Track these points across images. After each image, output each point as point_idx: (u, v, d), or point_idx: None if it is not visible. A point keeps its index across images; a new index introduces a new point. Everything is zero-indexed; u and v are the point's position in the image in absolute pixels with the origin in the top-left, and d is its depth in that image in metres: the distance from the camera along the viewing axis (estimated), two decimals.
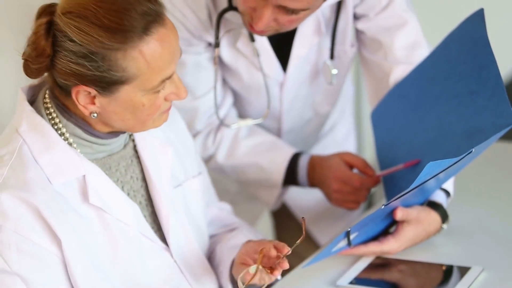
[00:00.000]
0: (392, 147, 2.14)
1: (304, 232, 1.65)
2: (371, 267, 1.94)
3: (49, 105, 1.70)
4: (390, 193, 2.10)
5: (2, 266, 1.61)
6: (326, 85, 2.25)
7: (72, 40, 1.60)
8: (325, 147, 2.52)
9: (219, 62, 2.17)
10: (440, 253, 1.98)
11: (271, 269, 1.70)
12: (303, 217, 1.69)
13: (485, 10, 1.93)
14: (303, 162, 2.22)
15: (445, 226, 2.00)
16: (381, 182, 2.15)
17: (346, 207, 2.17)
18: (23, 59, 1.65)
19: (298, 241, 1.66)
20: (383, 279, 1.94)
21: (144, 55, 1.61)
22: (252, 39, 2.12)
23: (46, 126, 1.68)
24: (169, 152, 1.86)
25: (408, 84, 2.15)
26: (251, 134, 2.27)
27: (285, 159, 2.23)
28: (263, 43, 2.14)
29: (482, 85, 1.91)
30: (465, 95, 1.96)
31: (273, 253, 1.71)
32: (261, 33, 1.98)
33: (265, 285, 1.73)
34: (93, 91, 1.63)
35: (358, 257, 1.97)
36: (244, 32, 2.12)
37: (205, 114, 2.21)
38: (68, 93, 1.66)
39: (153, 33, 1.61)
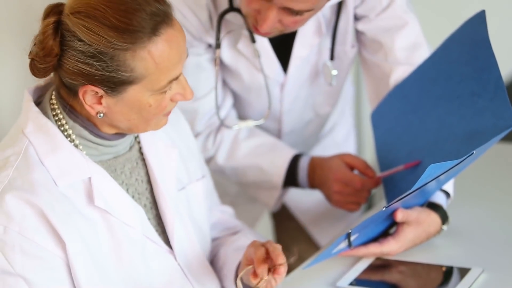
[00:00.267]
0: (392, 148, 2.14)
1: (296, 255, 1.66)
2: (371, 268, 1.95)
3: (56, 106, 1.70)
4: (390, 194, 2.10)
5: (5, 267, 1.61)
6: (326, 86, 2.25)
7: (80, 40, 1.60)
8: (325, 148, 2.53)
9: (219, 63, 2.17)
10: (440, 254, 1.98)
11: (274, 269, 1.69)
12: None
13: (486, 11, 1.93)
14: (303, 164, 2.22)
15: (445, 227, 2.00)
16: (381, 183, 2.15)
17: (347, 208, 2.17)
18: (29, 58, 1.65)
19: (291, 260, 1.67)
20: (383, 280, 1.94)
21: (152, 55, 1.61)
22: (253, 40, 2.12)
23: (52, 127, 1.68)
24: (174, 154, 1.86)
25: (409, 85, 2.15)
26: (251, 135, 2.27)
27: (285, 161, 2.23)
28: (263, 44, 2.14)
29: (483, 87, 1.91)
30: (466, 97, 1.96)
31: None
32: (265, 35, 1.98)
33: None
34: (101, 91, 1.63)
35: (358, 258, 1.97)
36: (245, 33, 2.12)
37: (205, 116, 2.21)
38: (74, 93, 1.66)
39: (161, 33, 1.62)
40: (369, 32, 2.19)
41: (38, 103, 1.73)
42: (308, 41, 2.16)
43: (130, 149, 1.80)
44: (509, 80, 4.42)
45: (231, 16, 2.09)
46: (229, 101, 2.26)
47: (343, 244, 1.91)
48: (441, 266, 1.93)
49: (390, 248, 1.95)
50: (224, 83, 2.25)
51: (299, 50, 2.17)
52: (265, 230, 2.83)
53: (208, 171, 2.03)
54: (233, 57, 2.17)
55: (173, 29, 1.64)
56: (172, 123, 1.87)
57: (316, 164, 2.20)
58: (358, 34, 2.22)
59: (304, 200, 2.49)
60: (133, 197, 1.78)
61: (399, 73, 2.17)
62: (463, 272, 1.89)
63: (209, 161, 2.26)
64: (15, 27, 2.37)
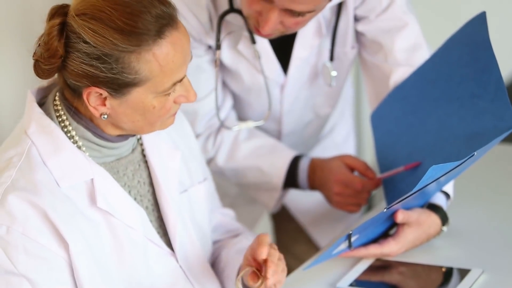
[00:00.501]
0: (392, 150, 2.14)
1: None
2: (371, 269, 1.95)
3: (59, 108, 1.71)
4: (390, 195, 2.10)
5: (9, 267, 1.61)
6: (326, 87, 2.25)
7: (86, 42, 1.60)
8: (324, 149, 2.52)
9: (219, 65, 2.17)
10: (440, 255, 1.98)
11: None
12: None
13: (486, 12, 1.93)
14: (303, 165, 2.22)
15: (445, 228, 2.00)
16: (381, 184, 2.15)
17: (347, 209, 2.17)
18: (34, 59, 1.65)
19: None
20: (383, 281, 1.95)
21: (157, 58, 1.62)
22: (253, 41, 2.12)
23: (56, 128, 1.69)
24: (177, 157, 1.86)
25: (409, 86, 2.14)
26: (251, 136, 2.27)
27: (285, 162, 2.23)
28: (264, 45, 2.14)
29: (484, 88, 1.91)
30: (467, 98, 1.96)
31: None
32: (267, 36, 1.98)
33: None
34: (105, 93, 1.63)
35: (358, 259, 1.97)
36: (245, 34, 2.12)
37: (204, 117, 2.21)
38: (78, 94, 1.66)
39: (167, 36, 1.62)
40: (369, 33, 2.19)
41: (41, 104, 1.73)
42: (308, 42, 2.16)
43: (133, 151, 1.80)
44: (509, 82, 4.42)
45: (231, 17, 2.09)
46: (229, 102, 2.26)
47: (344, 245, 1.91)
48: (441, 267, 1.93)
49: (390, 249, 1.95)
50: (224, 84, 2.25)
51: (299, 51, 2.17)
52: (265, 231, 2.81)
53: (209, 174, 2.03)
54: (233, 58, 2.17)
55: (178, 31, 1.64)
56: (175, 125, 1.87)
57: (316, 166, 2.20)
58: (358, 35, 2.22)
59: (304, 201, 2.49)
60: (135, 199, 1.78)
61: (399, 74, 2.17)
62: (463, 273, 1.89)
63: (209, 162, 2.26)
64: (15, 28, 2.37)
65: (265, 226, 2.84)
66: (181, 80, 1.68)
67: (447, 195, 2.05)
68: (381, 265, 1.96)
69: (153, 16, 1.61)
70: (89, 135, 1.70)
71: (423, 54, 2.16)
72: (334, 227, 2.45)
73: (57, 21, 1.62)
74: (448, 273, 1.91)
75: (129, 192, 1.77)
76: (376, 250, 1.95)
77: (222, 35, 2.11)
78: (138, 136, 1.82)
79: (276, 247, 1.74)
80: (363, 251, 1.95)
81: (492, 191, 2.32)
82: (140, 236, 1.75)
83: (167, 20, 1.62)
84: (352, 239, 1.90)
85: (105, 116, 1.67)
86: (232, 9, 2.08)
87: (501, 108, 1.85)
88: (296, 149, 2.34)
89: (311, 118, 2.37)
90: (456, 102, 1.99)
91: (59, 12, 1.63)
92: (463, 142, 1.92)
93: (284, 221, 2.60)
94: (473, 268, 1.90)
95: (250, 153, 2.25)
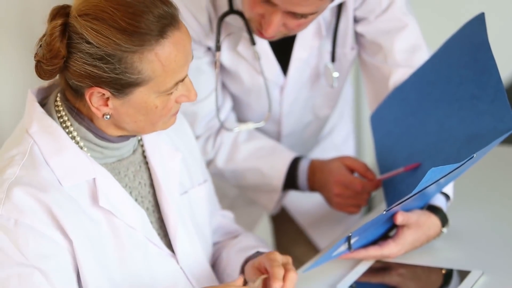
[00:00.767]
0: (391, 151, 2.14)
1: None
2: (371, 271, 1.94)
3: (61, 108, 1.71)
4: (390, 197, 2.10)
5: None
6: (326, 88, 2.25)
7: (88, 42, 1.60)
8: (324, 151, 2.52)
9: (219, 66, 2.17)
10: (440, 257, 1.98)
11: None
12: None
13: (486, 13, 1.93)
14: (303, 167, 2.22)
15: (445, 230, 2.00)
16: (381, 185, 2.14)
17: (347, 211, 2.17)
18: (35, 60, 1.65)
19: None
20: (383, 282, 1.94)
21: (159, 58, 1.62)
22: (253, 43, 2.11)
23: (58, 128, 1.69)
24: (178, 158, 1.86)
25: (408, 87, 2.14)
26: (251, 138, 2.27)
27: (285, 164, 2.23)
28: (263, 47, 2.14)
29: (483, 90, 1.91)
30: (466, 99, 1.96)
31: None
32: (270, 38, 1.98)
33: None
34: (107, 93, 1.64)
35: (358, 261, 1.97)
36: (245, 35, 2.12)
37: (204, 119, 2.21)
38: (80, 95, 1.67)
39: (169, 36, 1.63)
40: (368, 34, 2.19)
41: (42, 104, 1.73)
42: (308, 43, 2.16)
43: (134, 152, 1.80)
44: (509, 83, 4.42)
45: (231, 19, 2.09)
46: (228, 103, 2.25)
47: (343, 247, 1.90)
48: (441, 269, 1.93)
49: (390, 250, 1.94)
50: (224, 86, 2.25)
51: (299, 53, 2.17)
52: (264, 232, 2.83)
53: (209, 176, 2.03)
54: (233, 60, 2.17)
55: (180, 31, 1.65)
56: (175, 127, 1.87)
57: (316, 167, 2.20)
58: (358, 36, 2.22)
59: (304, 203, 2.49)
60: (136, 200, 1.78)
61: (399, 75, 2.17)
62: (463, 274, 1.89)
63: (208, 164, 2.26)
64: (15, 28, 2.37)
65: (265, 227, 2.84)
66: (183, 80, 1.68)
67: (447, 196, 2.04)
68: (381, 267, 1.96)
69: (155, 16, 1.61)
70: (90, 136, 1.71)
71: (422, 55, 2.16)
72: (334, 229, 2.45)
73: (59, 21, 1.62)
74: (448, 275, 1.91)
75: (130, 193, 1.77)
76: (376, 252, 1.95)
77: (222, 37, 2.11)
78: (139, 137, 1.82)
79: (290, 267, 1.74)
80: (362, 253, 1.95)
81: (492, 193, 2.32)
82: (141, 236, 1.75)
83: (169, 20, 1.63)
84: (352, 241, 1.89)
85: (108, 116, 1.67)
86: (231, 11, 2.08)
87: (500, 109, 1.85)
88: (296, 150, 2.34)
89: (311, 119, 2.37)
90: (455, 104, 1.99)
91: (61, 12, 1.63)
92: (462, 144, 1.92)
93: (284, 222, 2.60)
94: (473, 270, 1.89)
95: (249, 155, 2.25)
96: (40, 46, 1.64)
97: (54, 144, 1.68)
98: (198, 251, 1.87)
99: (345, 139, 2.61)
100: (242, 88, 2.23)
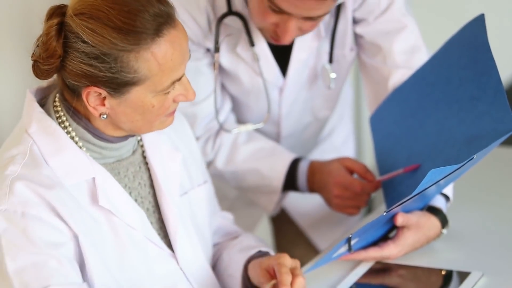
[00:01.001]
0: (391, 152, 2.14)
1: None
2: (371, 272, 1.94)
3: (59, 109, 1.71)
4: (390, 198, 2.10)
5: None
6: (325, 89, 2.25)
7: (84, 42, 1.60)
8: (324, 152, 2.52)
9: (218, 67, 2.17)
10: (440, 258, 1.98)
11: None
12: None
13: (485, 14, 1.93)
14: (302, 168, 2.22)
15: (444, 231, 2.00)
16: (381, 187, 2.14)
17: (346, 212, 2.17)
18: (32, 60, 1.65)
19: None
20: (383, 284, 1.94)
21: (156, 56, 1.62)
22: (252, 44, 2.11)
23: (57, 128, 1.69)
24: (178, 159, 1.86)
25: (408, 88, 2.14)
26: (250, 139, 2.27)
27: (284, 165, 2.22)
28: (262, 48, 2.14)
29: (483, 91, 1.90)
30: (466, 101, 1.96)
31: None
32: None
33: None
34: (104, 92, 1.64)
35: (358, 262, 1.97)
36: (244, 37, 2.12)
37: (203, 120, 2.21)
38: (77, 95, 1.67)
39: (165, 34, 1.62)
40: (367, 35, 2.19)
41: (41, 105, 1.73)
42: (307, 45, 2.16)
43: (133, 153, 1.80)
44: (508, 84, 4.42)
45: (230, 20, 2.09)
46: (228, 105, 2.25)
47: (343, 249, 1.90)
48: (440, 270, 1.93)
49: (390, 252, 1.94)
50: (223, 87, 2.25)
51: (298, 54, 2.17)
52: (264, 234, 2.83)
53: (209, 177, 2.03)
54: (232, 61, 2.17)
55: (176, 30, 1.64)
56: (175, 128, 1.87)
57: (316, 168, 2.20)
58: (357, 37, 2.22)
59: (303, 204, 2.48)
60: (136, 200, 1.78)
61: (398, 76, 2.17)
62: (463, 276, 1.89)
63: (208, 165, 2.25)
64: (15, 29, 2.37)
65: (265, 229, 2.84)
66: (180, 79, 1.68)
67: (446, 197, 2.04)
68: (381, 268, 1.96)
69: (151, 14, 1.61)
70: (88, 136, 1.71)
71: (421, 57, 2.16)
72: (334, 230, 2.45)
73: (55, 21, 1.62)
74: (448, 276, 1.91)
75: (130, 194, 1.77)
76: (376, 253, 1.95)
77: (221, 38, 2.11)
78: (139, 138, 1.82)
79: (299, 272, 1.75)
80: (363, 254, 1.95)
81: (491, 194, 2.32)
82: (140, 236, 1.75)
83: (165, 19, 1.63)
84: (352, 242, 1.89)
85: (105, 116, 1.67)
86: (230, 12, 2.07)
87: (500, 110, 1.84)
88: (295, 151, 2.34)
89: (310, 120, 2.37)
90: (455, 105, 1.99)
91: (57, 12, 1.63)
92: (462, 145, 1.92)
93: (284, 224, 2.60)
94: (473, 271, 1.89)
95: (249, 156, 2.25)
96: (37, 46, 1.64)
97: (53, 144, 1.68)
98: (198, 252, 1.87)
99: (345, 140, 2.61)
100: (241, 89, 2.23)
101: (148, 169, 1.82)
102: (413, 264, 1.95)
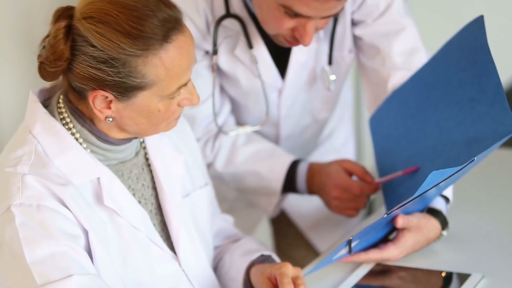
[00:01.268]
0: (391, 154, 2.14)
1: None
2: (371, 274, 1.94)
3: (63, 110, 1.71)
4: (389, 200, 2.10)
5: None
6: (324, 91, 2.25)
7: (93, 45, 1.60)
8: (323, 154, 2.52)
9: (216, 70, 2.17)
10: (440, 260, 1.98)
11: None
12: None
13: (485, 15, 1.93)
14: (302, 170, 2.21)
15: (445, 233, 2.00)
16: (380, 188, 2.14)
17: (346, 214, 2.17)
18: (39, 61, 1.65)
19: None
20: (383, 285, 1.94)
21: (164, 62, 1.62)
22: (250, 46, 2.11)
23: (62, 129, 1.69)
24: (180, 161, 1.86)
25: (407, 90, 2.14)
26: (250, 141, 2.27)
27: (283, 167, 2.22)
28: (261, 50, 2.14)
29: (482, 92, 1.90)
30: (465, 102, 1.95)
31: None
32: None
33: None
34: (110, 96, 1.64)
35: (358, 264, 1.97)
36: (242, 39, 2.12)
37: (203, 122, 2.21)
38: (83, 97, 1.67)
39: (173, 40, 1.62)
40: (366, 37, 2.19)
41: (45, 106, 1.73)
42: (306, 47, 2.16)
43: (136, 154, 1.80)
44: (508, 86, 4.42)
45: (228, 22, 2.09)
46: (227, 107, 2.25)
47: (344, 251, 1.90)
48: (441, 272, 1.93)
49: (390, 254, 1.94)
50: (222, 89, 2.25)
51: (297, 56, 2.17)
52: (264, 235, 2.83)
53: (210, 179, 2.03)
54: (230, 63, 2.17)
55: (184, 35, 1.64)
56: (177, 130, 1.88)
57: (315, 170, 2.20)
58: (356, 39, 2.22)
59: (303, 206, 2.48)
60: (139, 202, 1.79)
61: (397, 78, 2.17)
62: (463, 277, 1.88)
63: (207, 167, 2.25)
64: (15, 29, 2.37)
65: (264, 230, 2.83)
66: (186, 84, 1.68)
67: (446, 199, 2.04)
68: (381, 270, 1.95)
69: (160, 20, 1.61)
70: (92, 138, 1.71)
71: (421, 58, 2.16)
72: (333, 232, 2.45)
73: (63, 23, 1.62)
74: (448, 278, 1.91)
75: (134, 195, 1.78)
76: (376, 255, 1.95)
77: (219, 40, 2.11)
78: (141, 140, 1.82)
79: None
80: (363, 256, 1.95)
81: (491, 195, 2.32)
82: (144, 237, 1.75)
83: (173, 24, 1.62)
84: (352, 244, 1.89)
85: (110, 119, 1.67)
86: (228, 14, 2.07)
87: (500, 112, 1.84)
88: (295, 153, 2.34)
89: (309, 122, 2.37)
90: (454, 106, 1.98)
91: (65, 14, 1.63)
92: (462, 147, 1.92)
93: (283, 225, 2.60)
94: (473, 273, 1.89)
95: (248, 158, 2.25)
96: (43, 47, 1.64)
97: (58, 145, 1.68)
98: (200, 254, 1.87)
99: (344, 142, 2.61)
100: (240, 91, 2.23)
101: (151, 171, 1.83)
102: (413, 266, 1.95)
